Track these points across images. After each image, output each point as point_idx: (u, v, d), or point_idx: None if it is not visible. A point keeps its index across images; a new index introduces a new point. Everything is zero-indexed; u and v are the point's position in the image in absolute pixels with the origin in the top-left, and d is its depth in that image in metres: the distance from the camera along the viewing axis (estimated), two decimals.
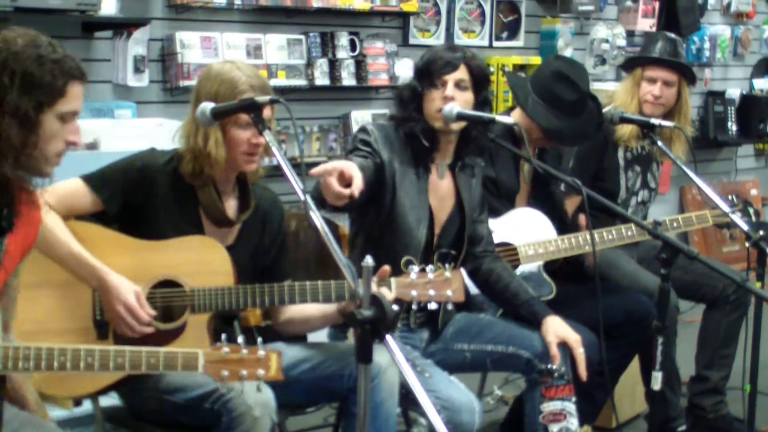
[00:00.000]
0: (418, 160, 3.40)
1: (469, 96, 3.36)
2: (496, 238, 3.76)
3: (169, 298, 2.96)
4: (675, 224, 4.06)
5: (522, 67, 6.12)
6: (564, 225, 3.98)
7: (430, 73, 3.36)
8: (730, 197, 3.97)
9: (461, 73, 3.34)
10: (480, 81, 3.39)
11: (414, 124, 3.37)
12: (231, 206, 3.13)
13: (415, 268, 3.01)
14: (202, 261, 2.98)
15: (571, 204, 4.16)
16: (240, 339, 2.69)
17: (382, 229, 3.34)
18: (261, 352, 2.65)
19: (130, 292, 2.89)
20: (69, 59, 2.37)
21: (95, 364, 2.52)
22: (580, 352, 3.36)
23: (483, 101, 3.41)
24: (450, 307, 3.05)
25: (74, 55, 2.39)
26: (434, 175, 3.44)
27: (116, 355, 2.55)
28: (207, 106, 2.79)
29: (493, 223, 3.76)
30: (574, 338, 3.38)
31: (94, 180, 3.00)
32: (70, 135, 2.39)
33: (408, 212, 3.35)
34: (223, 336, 2.69)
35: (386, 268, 2.94)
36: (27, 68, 2.29)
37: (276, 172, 2.77)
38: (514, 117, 3.86)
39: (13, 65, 2.29)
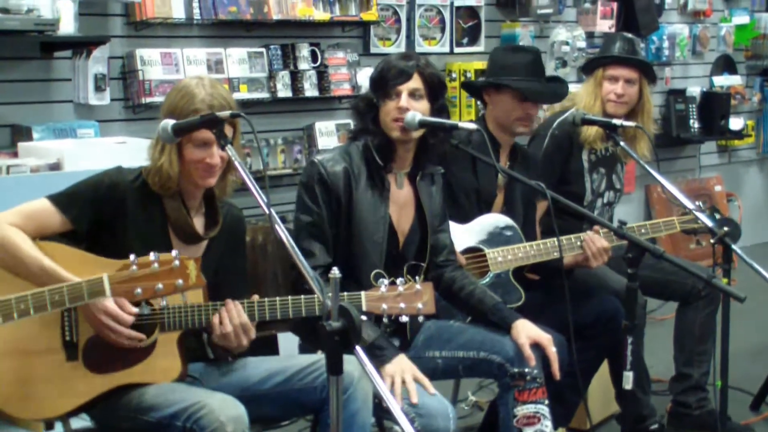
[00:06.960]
0: (375, 173, 3.38)
1: (424, 105, 3.34)
2: (465, 243, 3.77)
3: (138, 317, 2.92)
4: (643, 230, 4.04)
5: (483, 72, 6.11)
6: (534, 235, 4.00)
7: (384, 83, 3.34)
8: (698, 203, 3.96)
9: (415, 83, 3.32)
10: (435, 89, 3.37)
11: (370, 136, 3.36)
12: (198, 222, 3.11)
13: (385, 281, 3.01)
14: None
15: (539, 208, 4.17)
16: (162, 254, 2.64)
17: (342, 249, 3.33)
18: (176, 262, 2.58)
19: (107, 297, 2.86)
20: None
21: None
22: (552, 351, 3.37)
23: (440, 109, 3.39)
24: (421, 318, 3.04)
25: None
26: (393, 186, 3.43)
27: (18, 301, 2.55)
28: (168, 122, 2.79)
29: (463, 228, 3.78)
30: (546, 338, 3.38)
31: (60, 199, 2.97)
32: None
33: (363, 232, 3.33)
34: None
35: None
36: None
37: (242, 186, 2.77)
38: (488, 115, 3.96)
39: None
